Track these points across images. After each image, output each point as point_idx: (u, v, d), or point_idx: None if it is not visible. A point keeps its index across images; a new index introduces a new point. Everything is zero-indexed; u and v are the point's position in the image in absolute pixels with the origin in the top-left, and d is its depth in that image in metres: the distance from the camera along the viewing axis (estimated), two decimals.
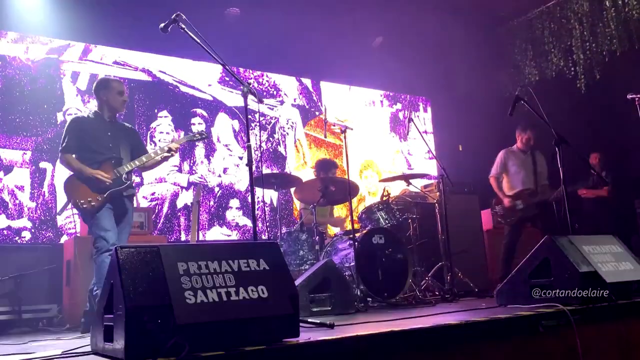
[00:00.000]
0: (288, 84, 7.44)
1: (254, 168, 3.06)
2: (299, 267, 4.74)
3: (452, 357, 2.28)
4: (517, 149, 5.71)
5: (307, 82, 7.63)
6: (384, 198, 5.10)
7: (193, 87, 6.70)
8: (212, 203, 6.56)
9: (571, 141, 4.00)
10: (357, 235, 4.38)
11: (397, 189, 6.16)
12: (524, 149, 5.66)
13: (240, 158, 6.82)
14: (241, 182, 6.78)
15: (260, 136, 6.94)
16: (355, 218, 5.31)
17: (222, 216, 6.61)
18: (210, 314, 1.88)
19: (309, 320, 2.67)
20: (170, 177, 6.32)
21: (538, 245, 3.13)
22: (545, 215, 5.40)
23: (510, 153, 5.70)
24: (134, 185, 4.18)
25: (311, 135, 7.50)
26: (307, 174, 6.69)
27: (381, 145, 8.02)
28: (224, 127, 6.84)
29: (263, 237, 5.51)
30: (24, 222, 5.44)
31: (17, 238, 5.37)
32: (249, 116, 3.15)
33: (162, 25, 3.27)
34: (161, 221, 6.18)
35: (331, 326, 2.51)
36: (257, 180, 4.71)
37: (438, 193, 5.56)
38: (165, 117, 6.46)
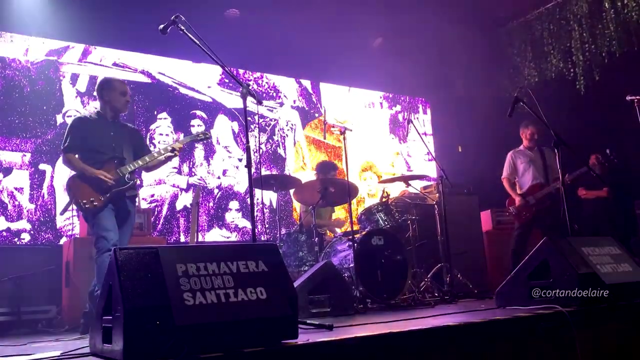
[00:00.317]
0: (287, 86, 7.44)
1: (253, 170, 3.05)
2: (298, 268, 4.74)
3: (452, 359, 2.28)
4: (524, 148, 5.74)
5: (307, 83, 7.63)
6: (384, 199, 5.10)
7: (193, 89, 6.70)
8: (211, 205, 6.56)
9: (570, 142, 4.00)
10: (356, 236, 4.38)
11: (396, 190, 6.16)
12: (531, 146, 5.69)
13: (240, 160, 6.82)
14: (240, 183, 6.78)
15: (259, 138, 6.94)
16: (354, 219, 5.31)
17: (221, 218, 6.61)
18: (209, 316, 1.88)
19: (308, 321, 2.66)
20: (169, 178, 6.32)
21: (537, 246, 3.14)
22: (556, 212, 5.37)
23: (518, 153, 5.73)
24: (137, 185, 4.15)
25: (311, 137, 7.50)
26: (306, 176, 6.69)
27: (381, 146, 8.02)
28: (223, 128, 6.84)
29: (262, 239, 5.51)
30: (23, 224, 5.44)
31: (16, 240, 5.37)
32: (249, 118, 3.15)
33: (161, 26, 3.27)
34: (160, 223, 6.17)
35: (330, 327, 2.50)
36: (256, 181, 4.70)
37: (437, 194, 5.57)
38: (165, 118, 6.46)
